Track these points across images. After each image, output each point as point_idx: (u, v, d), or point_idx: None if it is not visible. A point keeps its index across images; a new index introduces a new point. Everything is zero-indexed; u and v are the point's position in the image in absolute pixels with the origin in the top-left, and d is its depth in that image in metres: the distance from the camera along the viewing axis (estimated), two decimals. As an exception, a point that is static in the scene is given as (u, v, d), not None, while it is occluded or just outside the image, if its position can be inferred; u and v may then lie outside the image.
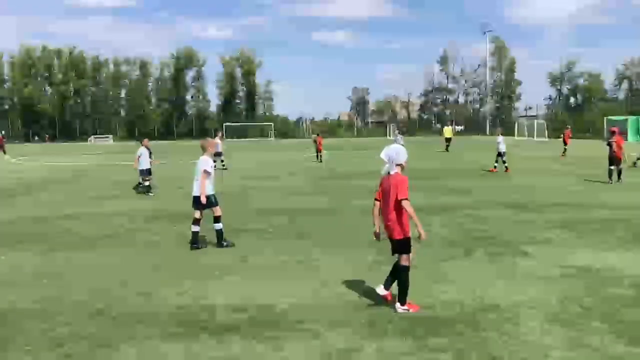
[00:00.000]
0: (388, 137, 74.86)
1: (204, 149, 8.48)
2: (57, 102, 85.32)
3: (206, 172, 8.14)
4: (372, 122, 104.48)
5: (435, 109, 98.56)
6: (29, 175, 22.13)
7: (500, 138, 20.80)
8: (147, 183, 15.27)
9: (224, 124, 77.92)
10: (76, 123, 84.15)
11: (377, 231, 5.54)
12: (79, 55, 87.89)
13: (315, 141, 29.63)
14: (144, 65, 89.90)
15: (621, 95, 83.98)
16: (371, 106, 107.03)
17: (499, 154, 20.63)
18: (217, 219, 8.31)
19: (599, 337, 4.64)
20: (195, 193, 8.21)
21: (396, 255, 5.47)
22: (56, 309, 5.59)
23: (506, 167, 20.53)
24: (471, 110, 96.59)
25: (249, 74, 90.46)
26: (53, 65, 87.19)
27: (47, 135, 79.77)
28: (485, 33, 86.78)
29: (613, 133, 17.19)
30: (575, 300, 5.59)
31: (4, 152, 38.54)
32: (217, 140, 21.64)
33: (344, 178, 19.15)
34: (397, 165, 5.42)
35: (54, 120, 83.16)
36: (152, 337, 4.80)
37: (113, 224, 10.54)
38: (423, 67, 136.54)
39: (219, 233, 8.34)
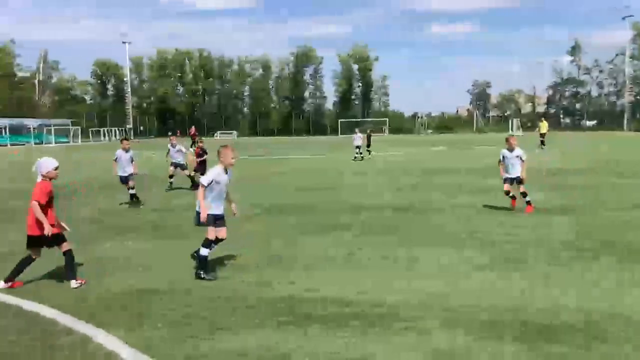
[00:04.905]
0: (511, 131, 71.01)
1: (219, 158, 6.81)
2: (187, 101, 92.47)
3: (202, 186, 6.63)
4: (493, 116, 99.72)
5: (564, 102, 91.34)
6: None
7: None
8: (131, 192, 12.94)
9: (339, 120, 79.11)
10: (204, 120, 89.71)
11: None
12: (207, 56, 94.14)
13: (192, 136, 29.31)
14: (265, 64, 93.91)
15: None
16: (492, 99, 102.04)
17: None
18: (204, 241, 6.66)
19: None
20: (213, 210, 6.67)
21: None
22: (181, 291, 6.08)
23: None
24: (606, 104, 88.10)
25: (365, 70, 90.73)
26: (184, 66, 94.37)
27: (178, 131, 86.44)
28: (624, 19, 78.75)
29: None
30: None
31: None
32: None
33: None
34: (42, 175, 6.27)
35: (185, 118, 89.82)
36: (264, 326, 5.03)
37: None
38: (550, 58, 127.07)
39: (201, 259, 6.67)
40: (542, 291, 5.80)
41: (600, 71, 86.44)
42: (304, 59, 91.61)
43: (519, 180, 10.92)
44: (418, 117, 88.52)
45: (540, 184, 15.26)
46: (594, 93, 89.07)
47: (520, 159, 10.93)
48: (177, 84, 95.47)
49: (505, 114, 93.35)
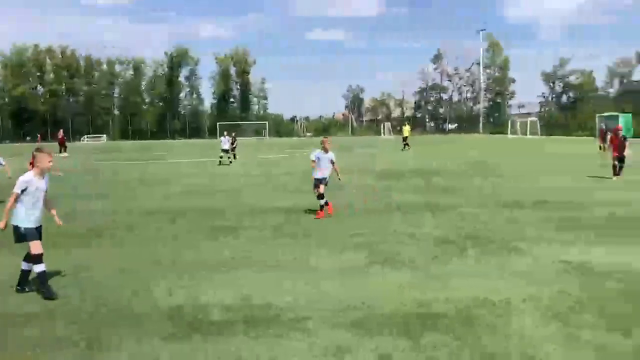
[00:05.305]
0: (383, 135, 75.13)
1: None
2: (48, 101, 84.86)
3: (15, 194, 5.92)
4: (366, 120, 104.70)
5: (429, 107, 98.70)
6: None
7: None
8: None
9: (218, 123, 77.92)
10: (68, 122, 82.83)
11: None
12: (71, 54, 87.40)
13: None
14: (137, 65, 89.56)
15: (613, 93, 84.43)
16: (366, 104, 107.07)
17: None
18: (32, 258, 5.97)
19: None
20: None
21: None
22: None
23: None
24: (464, 109, 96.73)
25: (243, 73, 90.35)
26: (45, 65, 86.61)
27: (38, 135, 79.13)
28: (479, 32, 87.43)
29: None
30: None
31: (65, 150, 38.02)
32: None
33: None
34: None
35: (46, 120, 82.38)
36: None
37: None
38: (417, 66, 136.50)
39: (40, 277, 5.96)
40: (417, 285, 6.13)
41: (460, 78, 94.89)
42: (179, 59, 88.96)
43: (325, 182, 10.95)
44: (297, 121, 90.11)
45: (406, 184, 16.31)
46: (455, 98, 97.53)
47: (332, 161, 11.02)
48: (36, 84, 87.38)
49: (378, 118, 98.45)
